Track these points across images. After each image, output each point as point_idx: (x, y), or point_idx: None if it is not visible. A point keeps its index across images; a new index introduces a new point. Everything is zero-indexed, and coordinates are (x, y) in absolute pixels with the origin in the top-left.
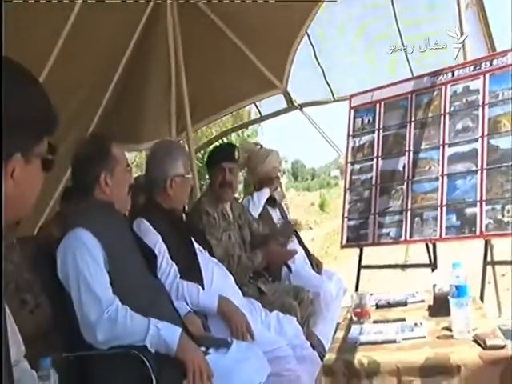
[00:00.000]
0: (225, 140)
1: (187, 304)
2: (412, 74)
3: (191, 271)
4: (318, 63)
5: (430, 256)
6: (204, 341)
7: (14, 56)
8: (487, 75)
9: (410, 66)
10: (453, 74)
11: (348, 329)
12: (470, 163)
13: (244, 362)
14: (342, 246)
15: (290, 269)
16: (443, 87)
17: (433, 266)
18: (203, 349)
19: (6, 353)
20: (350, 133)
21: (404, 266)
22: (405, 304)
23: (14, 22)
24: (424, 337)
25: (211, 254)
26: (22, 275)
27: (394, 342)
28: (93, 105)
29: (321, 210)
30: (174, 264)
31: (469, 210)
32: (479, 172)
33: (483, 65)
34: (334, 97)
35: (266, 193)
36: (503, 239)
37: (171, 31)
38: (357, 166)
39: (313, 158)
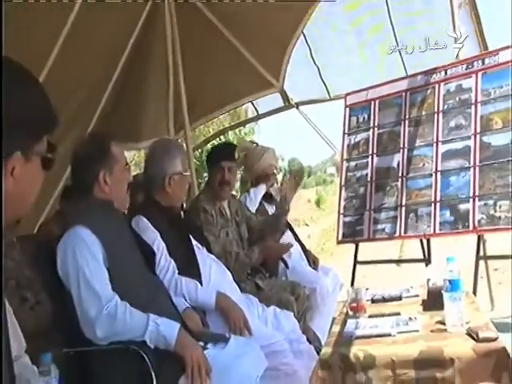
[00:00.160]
0: (222, 138)
1: (186, 300)
2: (406, 73)
3: (189, 268)
4: (314, 62)
5: (424, 251)
6: (202, 336)
7: (14, 56)
8: (479, 74)
9: (404, 65)
10: (446, 73)
11: (344, 323)
12: (463, 160)
13: (242, 356)
14: (338, 242)
15: (286, 265)
16: (437, 86)
17: (427, 261)
18: (202, 344)
19: (6, 348)
20: (346, 131)
21: (399, 261)
22: (399, 298)
23: (15, 22)
24: (418, 330)
25: (209, 250)
26: (23, 273)
27: (389, 335)
28: (92, 104)
29: (317, 207)
30: (173, 261)
31: (462, 206)
32: (472, 168)
33: (475, 64)
34: (329, 95)
35: (262, 189)
36: (496, 234)
37: (169, 31)
38: (352, 164)
39: (309, 156)
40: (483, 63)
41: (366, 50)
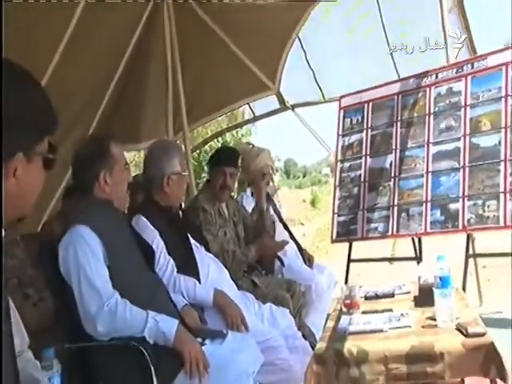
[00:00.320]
0: (220, 139)
1: (184, 297)
2: (398, 77)
3: (188, 266)
4: (309, 66)
5: (415, 249)
6: (200, 332)
7: (16, 57)
8: (469, 77)
9: (396, 69)
10: (437, 77)
11: (338, 319)
12: (453, 161)
13: (239, 352)
14: (333, 241)
15: (282, 263)
16: (428, 89)
17: (418, 258)
18: (199, 340)
19: (10, 344)
20: (340, 132)
21: (391, 260)
22: (392, 295)
23: (16, 23)
24: (410, 326)
25: (207, 249)
26: (26, 270)
27: (382, 331)
28: (93, 106)
29: (312, 207)
30: (172, 259)
31: (452, 206)
32: (462, 169)
33: (465, 67)
34: (324, 98)
35: None
36: (484, 233)
37: (168, 35)
38: (346, 164)
39: (304, 157)
40: (472, 67)
41: (360, 54)
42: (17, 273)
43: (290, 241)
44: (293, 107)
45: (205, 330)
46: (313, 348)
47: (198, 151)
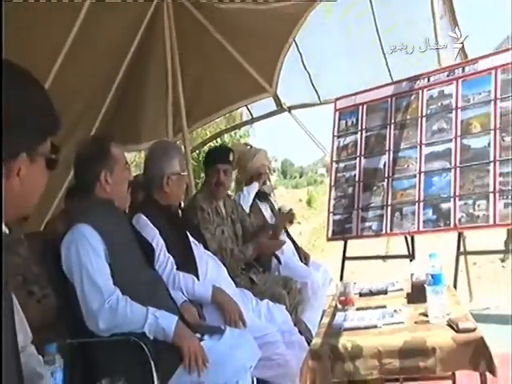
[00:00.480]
0: (218, 140)
1: (183, 294)
2: (392, 80)
3: (187, 263)
4: (305, 69)
5: (408, 247)
6: (199, 328)
7: (20, 59)
8: (460, 81)
9: (389, 72)
10: (429, 80)
11: (333, 315)
12: (445, 162)
13: (236, 347)
14: (328, 239)
15: (279, 260)
16: (420, 92)
17: (411, 256)
18: (198, 336)
19: (14, 339)
20: (335, 133)
21: (385, 257)
22: (385, 292)
23: (15, 23)
24: (403, 322)
25: (206, 247)
26: (30, 268)
27: (376, 327)
28: (95, 107)
29: (308, 206)
30: (171, 257)
31: (444, 205)
32: (453, 170)
33: (456, 71)
34: (320, 100)
35: (255, 187)
36: (474, 231)
37: (168, 38)
38: (341, 165)
39: (301, 157)
40: (463, 71)
41: (355, 58)
42: (21, 270)
43: (287, 239)
44: (289, 109)
45: (203, 325)
46: (308, 344)
47: (197, 152)
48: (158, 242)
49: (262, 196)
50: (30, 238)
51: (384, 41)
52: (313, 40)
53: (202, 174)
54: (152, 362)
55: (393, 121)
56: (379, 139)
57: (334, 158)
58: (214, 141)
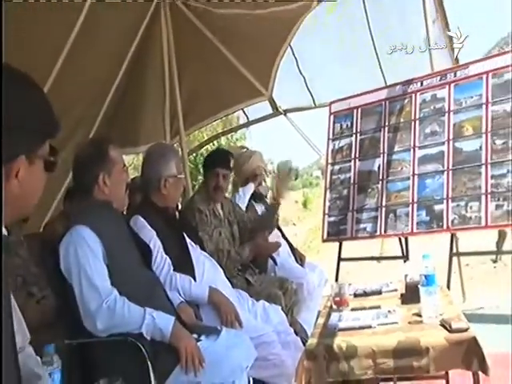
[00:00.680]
0: (215, 143)
1: (180, 295)
2: (385, 83)
3: (184, 264)
4: (301, 73)
5: (402, 249)
6: (196, 328)
7: (21, 61)
8: (452, 85)
9: (383, 76)
10: (422, 84)
11: (328, 316)
12: (438, 164)
13: (233, 347)
14: (323, 241)
15: (275, 262)
16: (413, 95)
17: (405, 257)
18: (195, 336)
19: (12, 340)
20: (330, 136)
21: (379, 258)
22: (380, 293)
23: (15, 23)
24: (397, 322)
25: (202, 248)
26: (29, 269)
27: (370, 327)
28: (94, 111)
29: (304, 208)
30: (168, 258)
31: (437, 207)
32: (446, 172)
33: (448, 76)
34: (315, 103)
35: (250, 187)
36: (467, 232)
37: (165, 43)
38: (336, 167)
39: (296, 160)
40: (455, 75)
41: (349, 62)
42: (21, 271)
43: (282, 240)
44: (285, 112)
45: (200, 326)
46: (304, 344)
47: (194, 154)
48: (155, 244)
49: (257, 197)
50: (30, 239)
51: (378, 45)
52: (308, 44)
53: (199, 177)
54: (149, 363)
55: (387, 124)
56: (373, 142)
57: (329, 161)
58: (211, 144)
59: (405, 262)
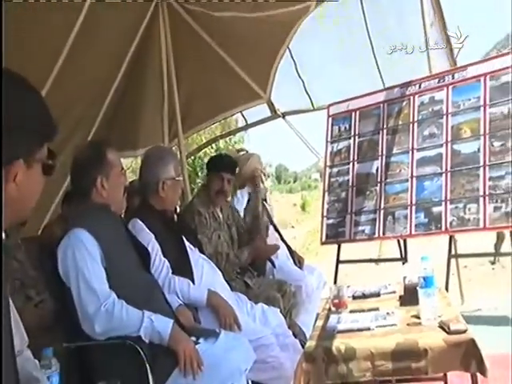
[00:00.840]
0: (214, 146)
1: (178, 298)
2: (384, 86)
3: (182, 267)
4: (299, 76)
5: (401, 251)
6: (194, 331)
7: (21, 61)
8: (450, 87)
9: (381, 79)
10: (420, 86)
11: (327, 318)
12: (436, 166)
13: (231, 350)
14: (322, 243)
15: (273, 264)
16: (411, 98)
17: (403, 259)
18: (194, 339)
19: (10, 343)
20: (329, 139)
21: (378, 261)
22: (378, 295)
23: (15, 23)
24: (395, 324)
25: (201, 251)
26: (27, 273)
27: (369, 329)
28: (92, 114)
29: (302, 210)
30: (166, 261)
31: (435, 209)
32: (444, 174)
33: (446, 78)
34: (313, 106)
35: (249, 190)
36: (465, 234)
37: (164, 46)
38: (335, 170)
39: (295, 163)
40: (453, 78)
41: (347, 65)
42: (19, 275)
43: (281, 243)
44: (283, 115)
45: (199, 329)
46: (303, 346)
47: (192, 157)
48: (153, 247)
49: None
50: (28, 242)
51: (376, 47)
52: (306, 47)
53: (198, 180)
54: (148, 366)
55: (385, 126)
56: (372, 144)
57: (328, 163)
58: (210, 147)
59: (403, 264)
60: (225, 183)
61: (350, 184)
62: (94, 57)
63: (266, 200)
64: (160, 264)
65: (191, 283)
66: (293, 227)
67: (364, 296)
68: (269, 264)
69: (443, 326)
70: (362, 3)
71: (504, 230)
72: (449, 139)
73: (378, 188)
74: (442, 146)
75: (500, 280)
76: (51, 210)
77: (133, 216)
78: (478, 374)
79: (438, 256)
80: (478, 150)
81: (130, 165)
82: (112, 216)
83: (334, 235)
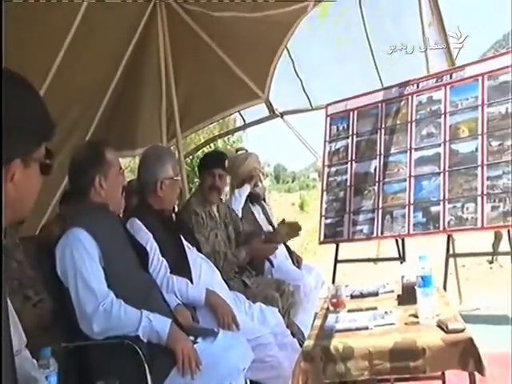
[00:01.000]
0: (212, 146)
1: (177, 297)
2: (382, 85)
3: (180, 267)
4: (297, 75)
5: (399, 250)
6: (192, 331)
7: (21, 65)
8: (448, 87)
9: (379, 78)
10: (418, 86)
11: (325, 318)
12: (434, 166)
13: (230, 349)
14: (320, 243)
15: (272, 264)
16: (409, 97)
17: (401, 259)
18: (192, 338)
19: (9, 343)
20: (327, 138)
21: (376, 260)
22: (376, 294)
23: (15, 23)
24: (394, 323)
25: (199, 250)
26: (25, 273)
27: (367, 328)
28: (90, 114)
29: (301, 210)
30: (165, 260)
31: (433, 208)
32: (442, 174)
33: (444, 78)
34: (311, 106)
35: (246, 189)
36: (463, 234)
37: (162, 46)
38: (333, 169)
39: (293, 162)
40: (451, 77)
41: (345, 64)
42: (17, 275)
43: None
44: (282, 115)
45: (197, 328)
46: (301, 345)
47: (191, 157)
48: (151, 246)
49: (254, 199)
50: (26, 242)
51: (374, 47)
52: (304, 47)
53: (196, 179)
54: (146, 365)
55: (383, 126)
56: (370, 144)
57: (326, 163)
58: (208, 146)
59: (401, 263)
60: (216, 179)
61: (348, 183)
62: (92, 57)
63: (264, 200)
64: (158, 263)
65: (189, 282)
66: None
67: (362, 295)
68: (267, 263)
69: (441, 325)
70: (360, 3)
71: (501, 229)
72: (447, 139)
73: (376, 187)
74: (439, 145)
75: (498, 279)
76: (49, 210)
77: (131, 215)
78: (476, 373)
79: (436, 255)
80: (476, 149)
81: (128, 164)
82: (110, 215)
83: (333, 235)
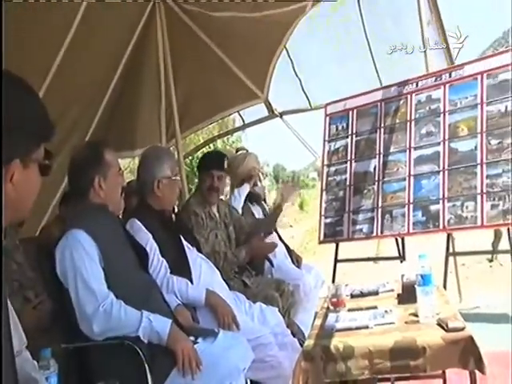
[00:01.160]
0: (211, 146)
1: (177, 297)
2: (381, 85)
3: (180, 267)
4: (296, 75)
5: (398, 249)
6: (193, 331)
7: (21, 65)
8: (447, 86)
9: (378, 77)
10: (417, 85)
11: (325, 317)
12: (433, 165)
13: (230, 349)
14: (320, 242)
15: (271, 263)
16: (409, 96)
17: (401, 258)
18: (192, 338)
19: (9, 344)
20: (326, 138)
21: (376, 259)
22: (376, 293)
23: (15, 23)
24: (394, 322)
25: (199, 250)
26: (26, 274)
27: (367, 327)
28: (90, 114)
29: (300, 209)
30: (165, 261)
31: (433, 207)
32: (441, 172)
33: (443, 76)
34: (310, 105)
35: (246, 188)
36: (463, 232)
37: (161, 46)
38: (332, 169)
39: (292, 162)
40: (450, 76)
41: (344, 64)
42: (17, 276)
43: (279, 242)
44: (281, 115)
45: (197, 328)
46: (301, 345)
47: (190, 157)
48: (151, 246)
49: (254, 199)
50: (25, 243)
51: (373, 47)
52: (303, 46)
53: (196, 180)
54: (146, 366)
55: (382, 125)
56: (369, 143)
57: (325, 162)
58: (207, 146)
59: (401, 262)
60: (215, 180)
61: (348, 183)
62: (91, 57)
63: (265, 200)
64: (158, 264)
65: (189, 283)
66: (291, 226)
67: (362, 294)
68: (267, 263)
69: (441, 324)
70: (359, 3)
71: (501, 228)
72: (446, 137)
73: (375, 187)
74: (439, 144)
75: (498, 277)
76: (49, 211)
77: (131, 216)
78: (477, 372)
79: (436, 254)
80: (475, 148)
81: (127, 165)
82: (110, 216)
83: (332, 234)
